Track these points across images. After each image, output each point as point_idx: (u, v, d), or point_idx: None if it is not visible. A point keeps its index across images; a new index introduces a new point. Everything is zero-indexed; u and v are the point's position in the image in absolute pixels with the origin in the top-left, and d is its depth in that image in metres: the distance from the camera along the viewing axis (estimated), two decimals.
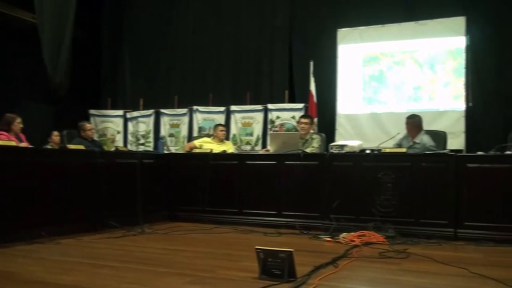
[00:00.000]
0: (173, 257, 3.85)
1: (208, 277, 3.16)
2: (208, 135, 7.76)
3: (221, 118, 8.88)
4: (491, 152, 4.92)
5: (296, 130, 7.36)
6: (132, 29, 10.31)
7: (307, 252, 4.00)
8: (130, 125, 9.72)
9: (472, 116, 7.40)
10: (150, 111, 9.56)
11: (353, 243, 4.36)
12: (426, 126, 5.92)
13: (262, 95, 8.99)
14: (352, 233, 4.59)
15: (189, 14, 9.84)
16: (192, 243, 4.58)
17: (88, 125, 7.01)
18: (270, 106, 8.68)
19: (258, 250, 3.01)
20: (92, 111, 9.66)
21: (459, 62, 7.51)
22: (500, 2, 7.52)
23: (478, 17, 7.53)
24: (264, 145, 8.34)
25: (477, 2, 7.65)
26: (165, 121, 9.46)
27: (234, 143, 8.49)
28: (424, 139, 5.57)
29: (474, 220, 4.69)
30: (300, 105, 8.43)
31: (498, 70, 7.48)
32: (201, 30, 9.67)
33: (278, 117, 8.60)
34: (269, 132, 8.37)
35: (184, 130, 9.30)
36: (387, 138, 5.95)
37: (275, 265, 2.94)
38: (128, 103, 10.06)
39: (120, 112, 9.80)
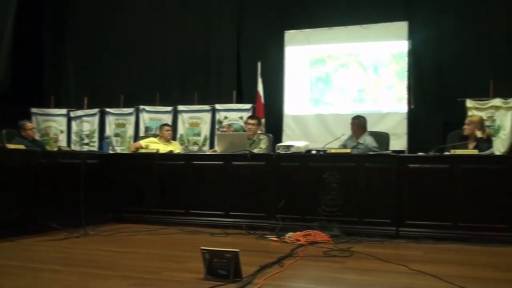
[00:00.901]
0: (117, 259, 3.78)
1: (152, 279, 3.12)
2: (155, 135, 7.68)
3: (168, 118, 8.80)
4: (431, 153, 5.11)
5: (244, 131, 7.39)
6: (76, 26, 10.04)
7: (253, 252, 4.01)
8: (74, 125, 9.49)
9: (414, 118, 7.65)
10: (95, 110, 9.36)
11: (299, 242, 4.41)
12: (370, 127, 6.07)
13: (210, 95, 8.96)
14: (298, 233, 4.64)
15: (134, 11, 9.68)
16: (138, 244, 4.51)
17: (28, 124, 6.80)
18: (217, 106, 8.68)
19: (204, 251, 3.00)
20: (34, 110, 9.37)
21: (402, 65, 7.76)
22: (440, 8, 7.81)
23: (420, 22, 7.80)
24: (211, 146, 8.32)
25: (419, 8, 7.91)
26: (110, 121, 9.28)
27: (182, 143, 8.44)
28: (367, 140, 5.72)
29: (415, 219, 4.85)
30: (248, 106, 8.47)
31: (438, 73, 7.76)
32: (147, 28, 9.54)
33: (225, 118, 8.61)
34: (217, 133, 8.37)
35: (130, 130, 9.16)
36: (333, 139, 6.07)
37: (221, 266, 2.95)
38: (72, 102, 9.80)
39: (64, 111, 9.54)
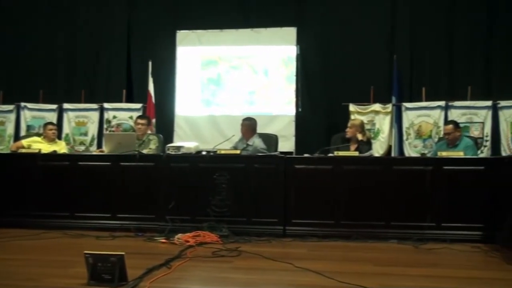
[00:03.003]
0: None
1: (31, 286, 2.97)
2: (38, 134, 7.27)
3: (52, 117, 8.37)
4: (316, 154, 5.31)
5: (134, 131, 7.24)
6: None
7: (141, 255, 3.95)
8: None
9: (301, 120, 7.95)
10: None
11: (188, 243, 4.41)
12: (260, 129, 6.20)
13: (98, 94, 8.68)
14: (187, 234, 4.64)
15: (17, 4, 9.06)
16: (16, 250, 4.26)
17: None
18: (106, 105, 8.43)
19: (87, 255, 2.91)
20: None
21: (291, 70, 8.04)
22: (327, 16, 8.19)
23: (308, 29, 8.14)
24: (99, 146, 8.05)
25: (307, 15, 8.24)
26: None
27: (67, 143, 8.06)
28: (256, 142, 5.84)
29: (301, 218, 5.02)
30: (138, 105, 8.32)
31: (324, 78, 8.14)
32: (31, 21, 8.97)
33: (115, 117, 8.38)
34: (104, 132, 8.12)
35: (10, 129, 8.59)
36: (224, 140, 6.13)
37: (105, 270, 2.87)
38: None
39: None
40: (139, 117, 6.56)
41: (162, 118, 8.21)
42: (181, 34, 8.36)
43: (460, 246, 4.50)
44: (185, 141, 6.99)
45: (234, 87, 8.22)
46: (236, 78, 8.22)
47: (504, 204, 4.57)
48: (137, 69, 8.62)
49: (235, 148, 5.91)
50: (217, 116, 8.17)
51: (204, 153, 5.44)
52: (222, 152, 5.39)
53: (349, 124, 6.01)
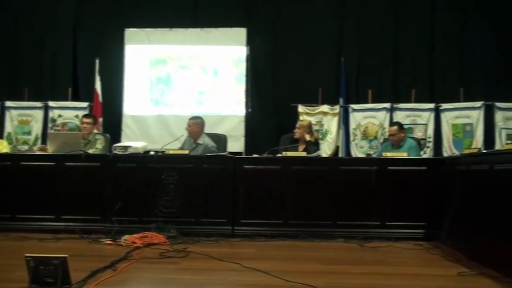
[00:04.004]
0: None
1: None
2: None
3: None
4: (265, 155, 5.35)
5: (80, 130, 7.07)
6: None
7: (86, 257, 3.86)
8: None
9: (251, 121, 7.98)
10: None
11: (135, 245, 4.34)
12: (210, 129, 6.18)
13: (42, 92, 8.42)
14: (134, 235, 4.56)
15: None
16: None
17: None
18: (51, 103, 8.19)
19: (28, 258, 2.81)
20: None
21: (241, 70, 8.06)
22: (276, 18, 8.27)
23: (258, 29, 8.18)
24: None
25: (257, 16, 8.28)
26: None
27: (9, 142, 7.79)
28: (206, 140, 5.80)
29: (249, 218, 5.05)
30: (84, 104, 8.14)
31: (273, 79, 8.22)
32: None
33: (60, 116, 8.16)
34: (49, 131, 7.89)
35: None
36: (173, 140, 6.07)
37: (47, 273, 2.78)
38: None
39: None
40: (84, 116, 6.41)
41: (110, 117, 8.05)
42: (129, 32, 8.23)
43: (404, 244, 4.64)
44: (133, 140, 6.89)
45: (184, 86, 8.15)
46: (186, 77, 8.16)
47: (445, 203, 4.73)
48: (84, 67, 8.40)
49: (182, 148, 5.86)
50: (166, 116, 8.09)
51: (152, 153, 5.37)
52: (171, 152, 5.34)
53: (297, 125, 6.08)
